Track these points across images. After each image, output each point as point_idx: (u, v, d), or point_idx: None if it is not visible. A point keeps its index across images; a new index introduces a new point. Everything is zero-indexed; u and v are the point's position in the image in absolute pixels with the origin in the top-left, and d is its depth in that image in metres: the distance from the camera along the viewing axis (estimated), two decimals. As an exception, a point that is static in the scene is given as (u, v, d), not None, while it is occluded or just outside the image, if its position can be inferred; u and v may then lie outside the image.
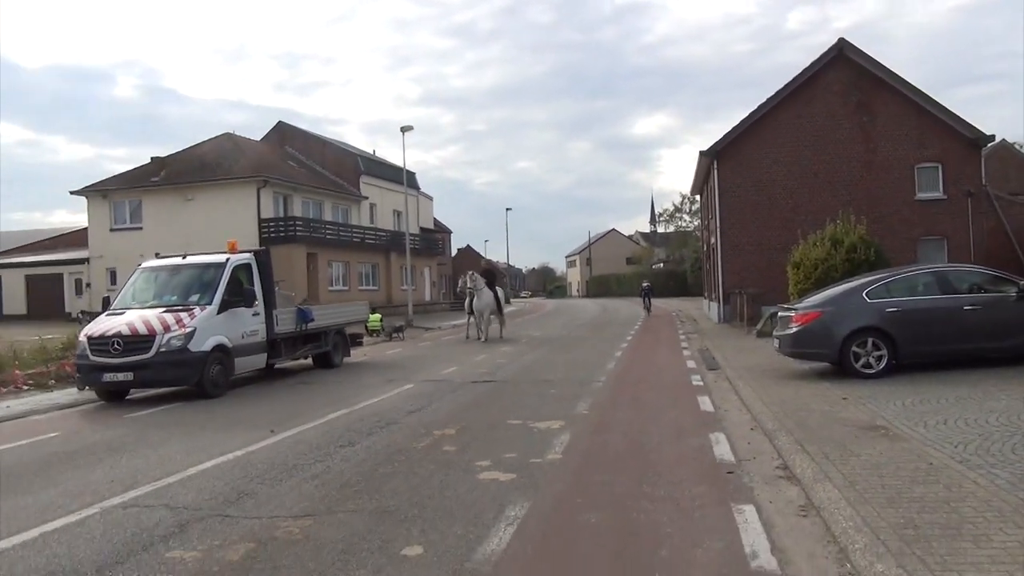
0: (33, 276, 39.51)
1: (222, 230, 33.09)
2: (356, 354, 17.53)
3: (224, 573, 4.22)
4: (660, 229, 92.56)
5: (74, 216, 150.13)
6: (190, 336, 11.37)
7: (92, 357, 11.33)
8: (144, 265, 13.51)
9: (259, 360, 13.21)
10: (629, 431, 8.08)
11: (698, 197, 42.30)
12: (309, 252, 35.00)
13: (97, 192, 37.19)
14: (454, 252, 70.02)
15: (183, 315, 11.63)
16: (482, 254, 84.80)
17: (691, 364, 14.56)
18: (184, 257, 13.36)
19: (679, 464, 6.55)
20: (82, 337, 11.74)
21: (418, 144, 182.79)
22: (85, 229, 44.39)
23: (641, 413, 9.21)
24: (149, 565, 4.39)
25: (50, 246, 45.87)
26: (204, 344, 11.56)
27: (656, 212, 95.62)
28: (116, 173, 38.72)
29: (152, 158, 37.82)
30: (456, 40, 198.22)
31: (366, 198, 43.80)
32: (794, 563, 4.18)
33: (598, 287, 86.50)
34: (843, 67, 24.84)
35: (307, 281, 33.36)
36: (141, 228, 36.23)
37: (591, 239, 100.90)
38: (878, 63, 24.74)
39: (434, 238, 51.39)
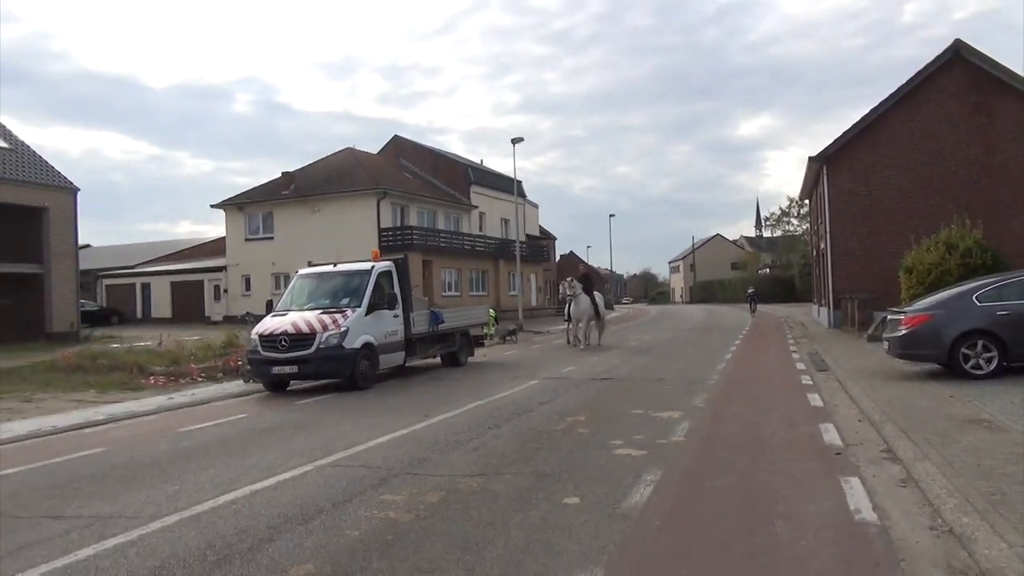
0: (177, 283, 43.36)
1: (346, 239, 35.61)
2: (477, 355, 18.90)
3: (428, 510, 5.46)
4: (766, 234, 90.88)
5: (197, 227, 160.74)
6: (344, 335, 12.96)
7: (263, 352, 13.10)
8: (301, 272, 15.30)
9: (398, 357, 14.73)
10: (743, 421, 8.96)
11: (807, 201, 41.82)
12: (424, 259, 36.94)
13: (233, 205, 40.50)
14: (557, 258, 71.21)
15: (338, 316, 13.25)
16: (585, 260, 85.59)
17: (800, 366, 15.11)
18: (335, 265, 15.10)
19: (791, 447, 7.41)
20: (254, 335, 13.54)
21: (518, 151, 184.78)
22: (220, 239, 48.23)
23: (754, 407, 10.03)
24: (369, 503, 5.69)
25: (189, 255, 50.05)
26: (355, 342, 13.14)
27: (762, 216, 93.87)
28: (249, 188, 41.96)
29: (283, 173, 40.84)
30: (554, 47, 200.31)
31: (476, 207, 45.64)
32: (892, 518, 5.04)
33: (702, 293, 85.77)
34: (959, 68, 24.48)
35: (423, 287, 35.28)
36: (272, 238, 39.23)
37: (695, 244, 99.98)
38: (996, 63, 24.26)
39: (540, 245, 52.75)
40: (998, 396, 9.13)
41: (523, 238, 47.67)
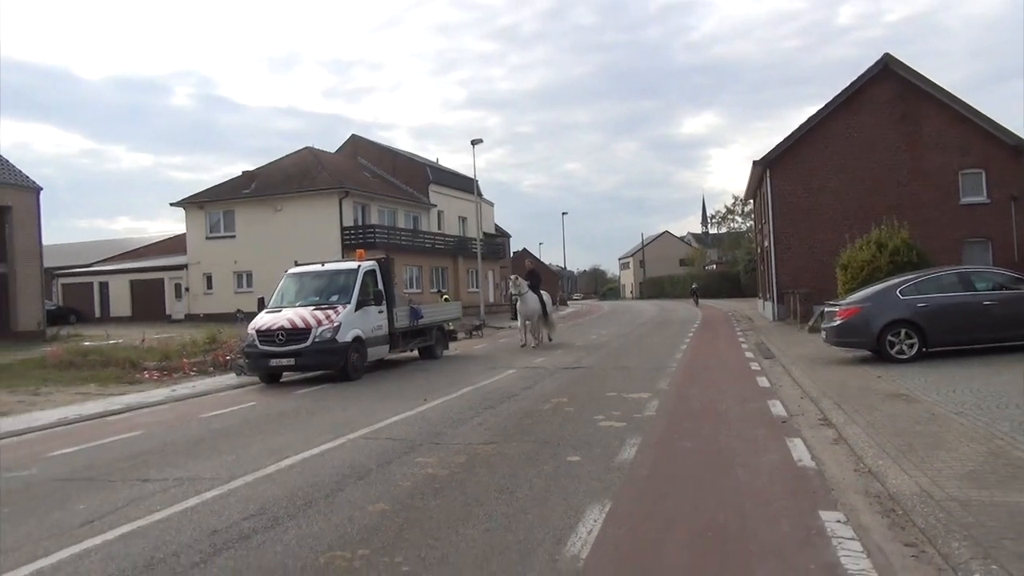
0: (137, 281, 43.35)
1: (308, 237, 36.35)
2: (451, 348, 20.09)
3: (459, 468, 6.69)
4: (712, 230, 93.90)
5: (137, 223, 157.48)
6: (337, 329, 14.05)
7: (260, 346, 14.10)
8: (290, 271, 16.28)
9: (383, 350, 15.86)
10: (704, 399, 10.40)
11: (751, 201, 43.99)
12: (388, 257, 37.83)
13: (194, 203, 40.76)
14: (511, 255, 72.58)
15: (330, 312, 14.32)
16: (539, 257, 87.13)
17: (749, 355, 16.72)
18: (323, 264, 16.14)
19: (744, 418, 8.85)
20: (251, 330, 14.52)
21: (465, 148, 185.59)
22: (175, 237, 48.28)
23: (711, 388, 11.51)
24: (408, 464, 6.90)
25: (144, 253, 49.91)
26: (347, 336, 14.23)
27: (708, 214, 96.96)
28: (210, 186, 42.22)
29: (243, 172, 41.27)
30: (500, 43, 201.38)
31: (435, 205, 46.69)
32: (826, 465, 6.47)
33: (652, 289, 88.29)
34: (888, 80, 26.62)
35: (386, 284, 36.24)
36: (234, 236, 39.65)
37: (644, 241, 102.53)
38: (921, 76, 26.46)
39: (497, 243, 54.05)
40: (917, 376, 10.76)
41: (481, 236, 48.98)
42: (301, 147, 43.44)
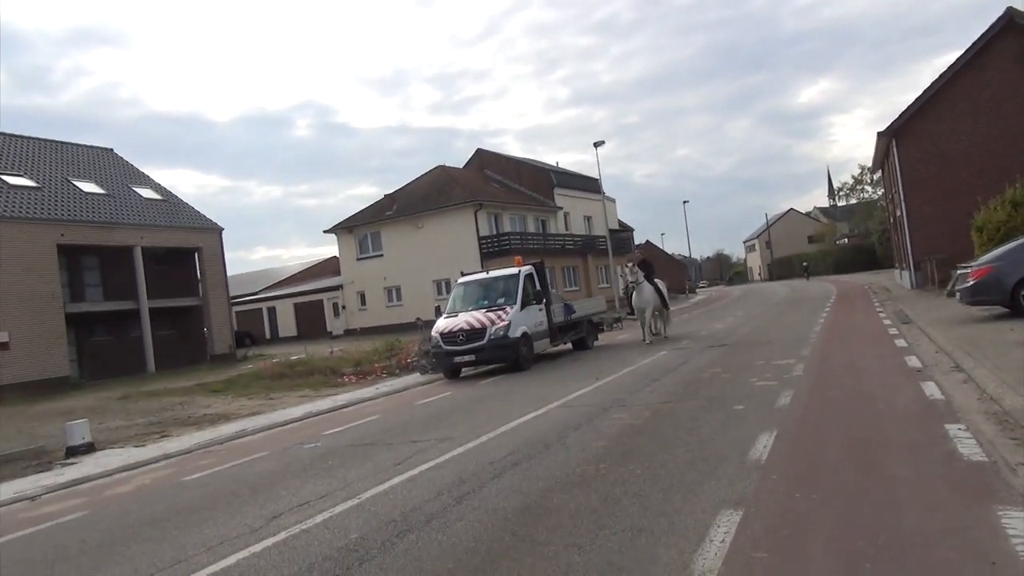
0: (300, 304, 47.96)
1: (449, 250, 39.26)
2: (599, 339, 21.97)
3: (648, 420, 8.56)
4: (841, 203, 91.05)
5: (272, 251, 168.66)
6: (508, 327, 16.26)
7: (444, 346, 16.51)
8: (460, 280, 18.72)
9: (546, 343, 17.97)
10: (844, 360, 11.80)
11: (879, 171, 43.37)
12: (541, 261, 40.25)
13: (344, 228, 44.75)
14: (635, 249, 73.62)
15: (500, 312, 16.56)
16: (662, 248, 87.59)
17: (887, 321, 17.66)
18: (487, 272, 18.47)
19: (883, 371, 10.24)
20: (435, 333, 16.98)
21: (573, 147, 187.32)
22: (327, 260, 52.73)
23: (851, 351, 12.83)
24: (607, 420, 8.84)
25: (301, 279, 54.82)
26: (516, 332, 16.41)
27: (834, 186, 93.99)
28: (357, 211, 46.13)
29: (385, 195, 44.88)
30: (599, 36, 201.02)
31: (560, 208, 48.79)
32: (954, 397, 7.89)
33: (781, 269, 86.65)
34: (1014, 33, 26.28)
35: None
36: (382, 255, 43.28)
37: (768, 221, 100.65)
38: (1051, 28, 25.95)
39: (623, 238, 55.51)
40: (1048, 325, 11.68)
41: (606, 233, 50.64)
42: (434, 166, 46.74)
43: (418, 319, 21.14)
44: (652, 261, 22.79)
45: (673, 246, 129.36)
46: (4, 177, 28.81)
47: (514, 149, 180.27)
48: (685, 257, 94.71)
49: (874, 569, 3.76)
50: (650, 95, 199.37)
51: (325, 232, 45.74)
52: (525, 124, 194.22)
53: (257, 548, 5.43)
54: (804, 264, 70.32)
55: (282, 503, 6.78)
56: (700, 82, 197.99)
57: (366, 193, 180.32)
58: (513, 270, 18.04)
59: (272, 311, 49.49)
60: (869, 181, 72.63)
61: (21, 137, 33.39)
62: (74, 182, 31.59)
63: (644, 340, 19.15)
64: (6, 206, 27.16)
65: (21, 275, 26.25)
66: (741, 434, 7.16)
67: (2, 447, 12.51)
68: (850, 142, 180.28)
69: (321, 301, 46.72)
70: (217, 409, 15.83)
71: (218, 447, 11.20)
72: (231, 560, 5.24)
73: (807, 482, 5.40)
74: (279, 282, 54.82)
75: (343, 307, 44.96)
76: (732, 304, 39.13)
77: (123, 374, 28.85)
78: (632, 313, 20.29)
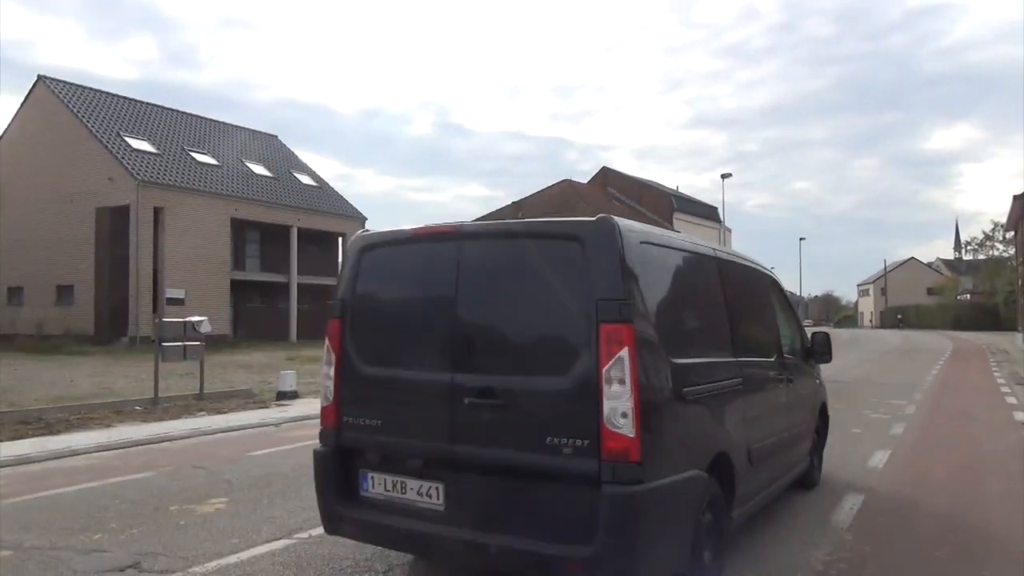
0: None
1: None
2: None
3: (776, 431, 10.14)
4: (967, 256, 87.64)
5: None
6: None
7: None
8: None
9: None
10: (954, 407, 12.97)
11: (1012, 232, 42.50)
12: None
13: (469, 230, 47.45)
14: (745, 279, 73.47)
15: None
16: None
17: (1000, 380, 18.36)
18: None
19: (990, 420, 11.44)
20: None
21: (689, 167, 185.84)
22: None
23: (962, 400, 13.94)
24: (739, 427, 10.48)
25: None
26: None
27: (962, 239, 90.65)
28: (485, 213, 48.72)
29: (512, 203, 47.33)
30: (728, 60, 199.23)
31: (679, 232, 49.93)
32: (1052, 446, 9.17)
33: (894, 318, 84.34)
34: None
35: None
36: (503, 259, 45.67)
37: (887, 267, 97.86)
38: None
39: (734, 267, 56.06)
40: None
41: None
42: (560, 179, 48.88)
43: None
44: None
45: (785, 282, 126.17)
46: (192, 154, 32.75)
47: (627, 166, 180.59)
48: (793, 295, 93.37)
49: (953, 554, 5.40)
50: (773, 124, 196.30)
51: (452, 231, 48.54)
52: (640, 143, 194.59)
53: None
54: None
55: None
56: (828, 115, 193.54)
57: (476, 194, 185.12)
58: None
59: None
60: (1001, 239, 69.97)
61: (200, 117, 37.52)
62: (246, 163, 35.37)
63: None
64: (194, 180, 30.98)
65: (201, 241, 29.93)
66: (860, 451, 8.71)
67: (215, 388, 15.19)
68: (981, 194, 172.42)
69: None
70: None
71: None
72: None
73: (916, 484, 6.99)
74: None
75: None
76: (842, 347, 39.05)
77: (270, 339, 32.21)
78: None
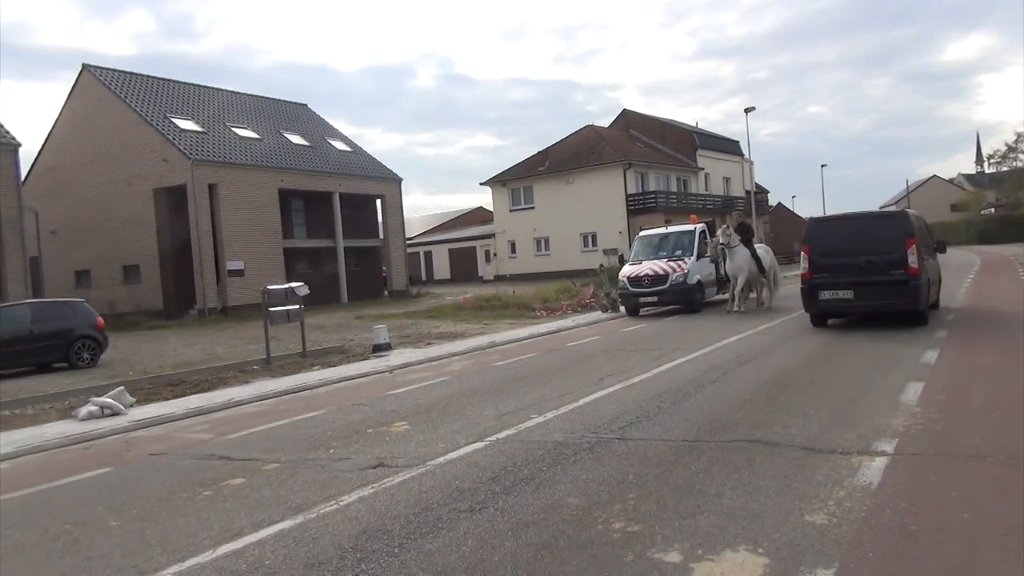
0: (455, 250, 52.55)
1: (596, 205, 42.27)
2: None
3: (830, 340, 11.54)
4: (989, 170, 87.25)
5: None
6: (687, 275, 19.33)
7: (631, 288, 19.80)
8: (641, 234, 21.93)
9: (714, 291, 20.95)
10: (990, 306, 14.26)
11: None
12: (665, 219, 42.85)
13: (498, 181, 48.60)
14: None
15: (679, 262, 19.63)
16: (794, 211, 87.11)
17: (1031, 287, 19.58)
18: (667, 227, 21.55)
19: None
20: (622, 277, 20.28)
21: (697, 100, 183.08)
22: (475, 210, 56.84)
23: (995, 301, 15.21)
24: (794, 349, 11.89)
25: (452, 226, 59.41)
26: (692, 279, 19.47)
27: (984, 152, 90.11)
28: (510, 166, 49.86)
29: (538, 152, 48.34)
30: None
31: (702, 168, 50.79)
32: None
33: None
34: None
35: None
36: (533, 207, 46.88)
37: (909, 187, 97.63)
38: None
39: (760, 199, 56.80)
40: None
41: (743, 194, 52.27)
42: (583, 125, 49.69)
43: (601, 265, 24.45)
44: (751, 226, 21.97)
45: (806, 209, 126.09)
46: (235, 129, 34.05)
47: (635, 103, 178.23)
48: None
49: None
50: (782, 49, 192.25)
51: (481, 184, 49.81)
52: (647, 78, 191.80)
53: (600, 394, 8.86)
54: None
55: (600, 371, 10.25)
56: (838, 35, 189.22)
57: (485, 144, 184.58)
58: (690, 227, 21.02)
59: (428, 255, 54.33)
60: (1024, 148, 69.85)
61: (234, 92, 38.67)
62: (285, 135, 36.63)
63: (731, 309, 18.29)
64: (240, 154, 32.35)
65: (253, 213, 31.46)
66: (911, 349, 10.11)
67: (309, 347, 16.76)
68: (1002, 104, 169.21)
69: (474, 248, 51.05)
70: (446, 329, 19.78)
71: (491, 350, 14.92)
72: (587, 399, 8.69)
73: (965, 371, 8.39)
74: (434, 228, 59.65)
75: (494, 254, 49.06)
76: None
77: (322, 302, 33.88)
78: (727, 279, 19.12)
